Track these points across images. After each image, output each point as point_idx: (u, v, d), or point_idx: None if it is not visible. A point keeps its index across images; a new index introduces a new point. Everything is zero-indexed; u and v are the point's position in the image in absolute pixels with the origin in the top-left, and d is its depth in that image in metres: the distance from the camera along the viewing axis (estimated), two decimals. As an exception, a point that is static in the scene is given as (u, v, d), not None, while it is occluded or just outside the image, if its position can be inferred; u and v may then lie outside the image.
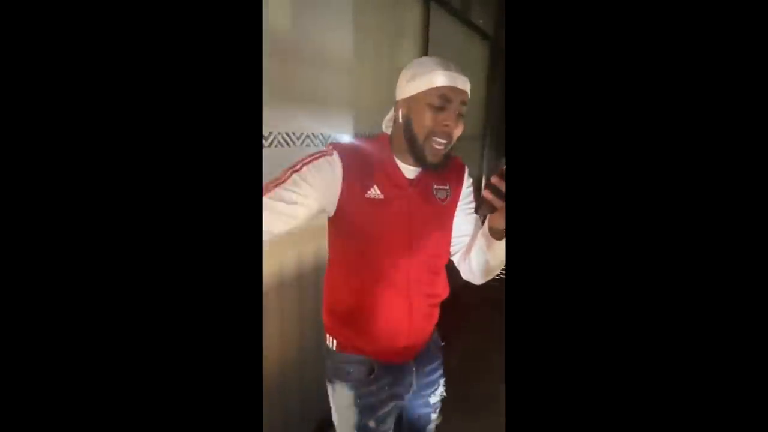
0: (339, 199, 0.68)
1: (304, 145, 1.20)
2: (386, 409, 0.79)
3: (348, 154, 0.70)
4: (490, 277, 0.75)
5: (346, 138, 1.35)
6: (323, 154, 0.69)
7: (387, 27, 1.65)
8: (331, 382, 0.80)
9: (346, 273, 0.75)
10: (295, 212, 0.65)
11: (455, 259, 0.80)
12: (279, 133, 1.10)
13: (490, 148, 3.10)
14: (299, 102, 1.17)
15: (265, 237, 0.63)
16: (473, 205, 0.80)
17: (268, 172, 0.99)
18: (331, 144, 0.72)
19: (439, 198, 0.75)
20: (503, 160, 0.58)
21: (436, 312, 0.82)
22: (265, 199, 0.63)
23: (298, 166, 0.67)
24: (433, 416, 0.88)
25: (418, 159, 0.70)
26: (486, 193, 0.60)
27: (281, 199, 0.63)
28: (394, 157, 0.72)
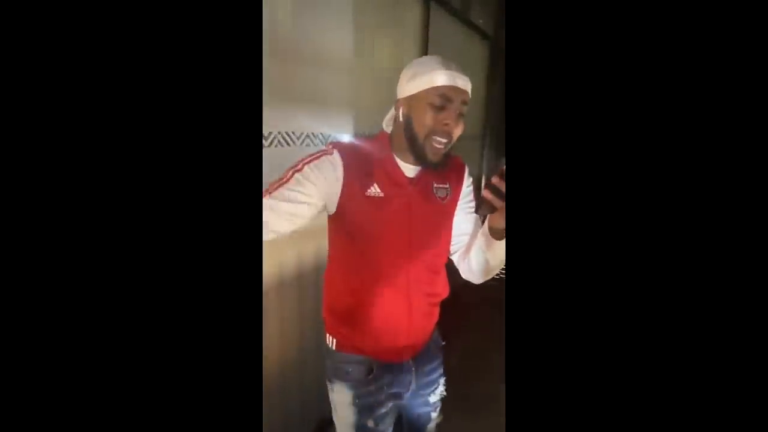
0: (339, 198, 0.69)
1: (304, 144, 1.20)
2: (385, 409, 0.79)
3: (348, 153, 0.70)
4: (490, 277, 0.75)
5: (346, 137, 1.35)
6: (324, 153, 0.70)
7: (387, 27, 1.65)
8: (330, 381, 0.81)
9: (345, 271, 0.75)
10: (300, 211, 0.66)
11: (455, 258, 0.80)
12: (279, 133, 1.10)
13: (490, 148, 3.10)
14: (299, 102, 1.17)
15: (270, 237, 0.64)
16: (473, 204, 0.80)
17: (268, 172, 1.00)
18: (331, 143, 0.72)
19: (439, 197, 0.75)
20: (503, 161, 0.58)
21: (436, 311, 0.82)
22: (270, 200, 0.64)
23: (300, 166, 0.68)
24: (434, 415, 0.88)
25: (419, 157, 0.70)
26: (486, 193, 0.60)
27: (286, 199, 0.64)
28: (394, 155, 0.73)
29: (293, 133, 1.15)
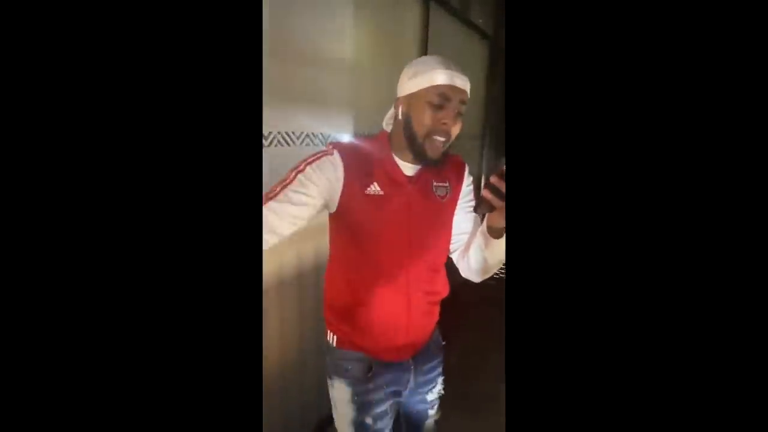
0: (340, 197, 0.69)
1: (304, 144, 1.20)
2: (384, 407, 0.80)
3: (348, 153, 0.71)
4: (489, 275, 0.76)
5: (346, 137, 1.35)
6: (324, 153, 0.70)
7: (386, 27, 1.65)
8: (330, 377, 0.81)
9: (345, 269, 0.76)
10: (303, 213, 0.66)
11: (454, 256, 0.81)
12: (279, 133, 1.10)
13: (490, 147, 3.10)
14: (299, 101, 1.17)
15: (274, 240, 0.65)
16: (473, 203, 0.81)
17: (267, 172, 1.00)
18: (331, 143, 0.73)
19: (438, 195, 0.76)
20: (503, 160, 0.58)
21: (436, 310, 0.82)
22: (274, 203, 0.64)
23: (302, 167, 0.68)
24: (431, 412, 0.89)
25: (418, 155, 0.71)
26: (485, 193, 0.61)
27: (290, 201, 0.65)
28: (393, 155, 0.73)
29: (293, 133, 1.15)
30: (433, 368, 0.86)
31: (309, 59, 1.18)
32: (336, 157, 0.70)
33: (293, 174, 0.67)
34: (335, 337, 0.80)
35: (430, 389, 0.87)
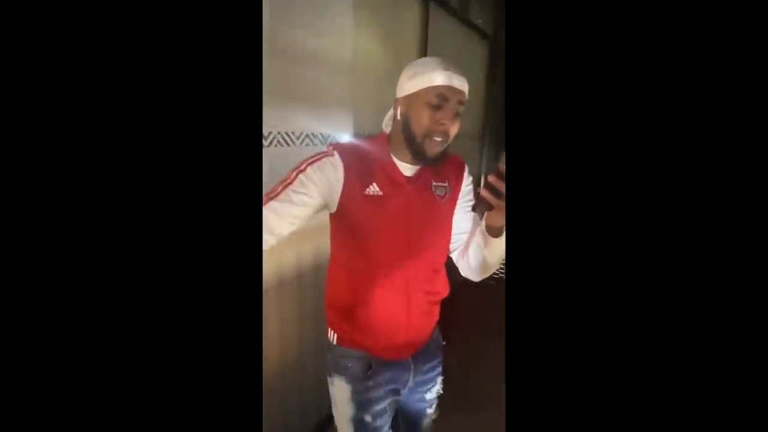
0: (340, 197, 0.70)
1: (304, 144, 1.20)
2: (383, 405, 0.80)
3: (348, 154, 0.72)
4: (488, 274, 0.76)
5: (345, 138, 1.35)
6: (325, 154, 0.71)
7: (386, 27, 1.65)
8: (330, 375, 0.82)
9: (346, 268, 0.76)
10: (303, 213, 0.68)
11: (454, 256, 0.81)
12: (278, 133, 1.10)
13: (490, 147, 3.10)
14: (298, 102, 1.17)
15: (273, 241, 0.65)
16: (473, 202, 0.81)
17: (267, 172, 1.00)
18: (331, 145, 0.74)
19: (438, 195, 0.76)
20: (502, 159, 0.59)
21: (436, 310, 0.83)
22: (275, 203, 0.65)
23: (303, 167, 0.69)
24: (429, 411, 0.90)
25: (416, 155, 0.71)
26: (483, 192, 0.61)
27: (291, 201, 0.66)
28: (392, 155, 0.74)
29: (293, 133, 1.15)
30: (433, 368, 0.87)
31: (309, 59, 1.18)
32: (336, 158, 0.70)
33: (294, 174, 0.68)
34: (336, 335, 0.80)
35: (429, 388, 0.87)
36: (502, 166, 0.59)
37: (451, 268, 0.82)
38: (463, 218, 0.79)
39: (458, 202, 0.79)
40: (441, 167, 0.76)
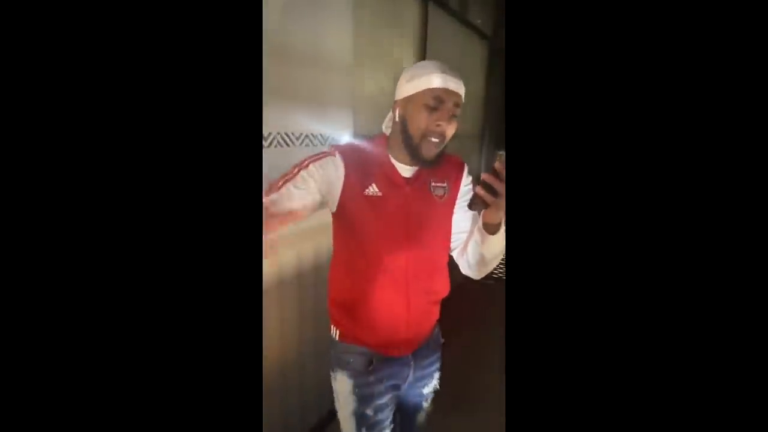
0: (340, 197, 0.72)
1: (304, 145, 1.20)
2: (384, 400, 0.82)
3: (349, 154, 0.73)
4: (488, 271, 0.78)
5: (345, 138, 1.36)
6: (327, 154, 0.73)
7: (385, 27, 1.65)
8: (333, 370, 0.84)
9: (347, 266, 0.78)
10: (300, 208, 0.69)
11: (455, 254, 0.82)
12: (278, 134, 1.10)
13: (489, 147, 3.11)
14: (298, 102, 1.17)
15: (271, 236, 0.65)
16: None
17: (267, 172, 1.00)
18: (332, 146, 0.76)
19: (436, 195, 0.78)
20: (498, 154, 0.60)
21: (436, 309, 0.84)
22: (275, 196, 0.66)
23: (306, 163, 0.71)
24: (424, 405, 0.92)
25: (414, 156, 0.73)
26: (478, 190, 0.63)
27: (291, 196, 0.68)
28: (391, 157, 0.76)
29: (292, 133, 1.15)
30: (431, 363, 0.89)
31: (308, 60, 1.18)
32: (338, 158, 0.72)
33: (296, 170, 0.70)
34: (338, 331, 0.82)
35: (427, 383, 0.90)
36: (498, 165, 0.61)
37: (451, 267, 0.83)
38: (462, 217, 0.80)
39: (457, 201, 0.80)
40: (440, 168, 0.77)
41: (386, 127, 0.79)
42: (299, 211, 0.68)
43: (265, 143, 1.05)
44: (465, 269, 0.81)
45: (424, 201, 0.76)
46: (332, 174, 0.71)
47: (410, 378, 0.85)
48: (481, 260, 0.75)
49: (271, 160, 1.05)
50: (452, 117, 0.71)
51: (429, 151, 0.71)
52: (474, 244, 0.74)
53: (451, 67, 0.71)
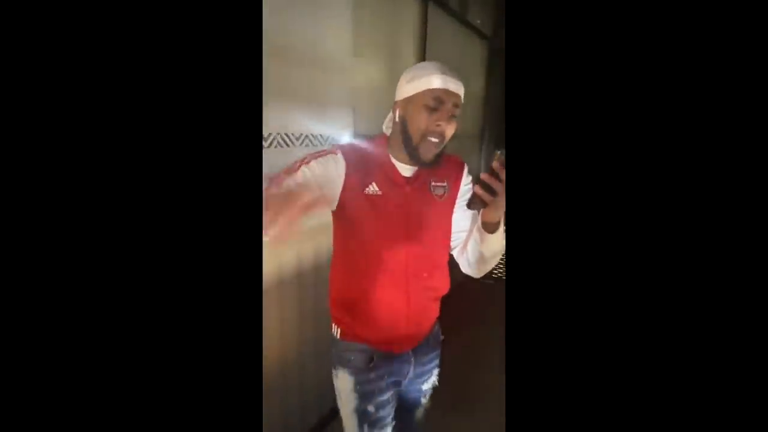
0: (341, 195, 0.73)
1: (303, 145, 1.20)
2: (385, 396, 0.83)
3: (350, 153, 0.74)
4: (488, 269, 0.79)
5: (345, 139, 1.36)
6: (328, 152, 0.74)
7: (385, 27, 1.65)
8: (335, 368, 0.85)
9: (347, 264, 0.79)
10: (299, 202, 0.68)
11: (455, 253, 0.83)
12: (278, 134, 1.10)
13: (488, 146, 3.11)
14: (298, 102, 1.17)
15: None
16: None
17: (267, 173, 1.00)
18: (334, 145, 0.77)
19: (436, 195, 0.78)
20: (496, 154, 0.60)
21: (436, 306, 0.85)
22: (275, 189, 0.65)
23: (308, 159, 0.72)
24: (423, 401, 0.93)
25: (413, 157, 0.74)
26: (477, 189, 0.64)
27: (290, 190, 0.67)
28: (391, 156, 0.76)
29: (292, 134, 1.15)
30: (431, 360, 0.90)
31: (308, 60, 1.18)
32: (339, 156, 0.73)
33: (298, 165, 0.70)
34: (339, 329, 0.83)
35: (426, 380, 0.91)
36: (496, 164, 0.62)
37: (451, 266, 0.83)
38: (462, 216, 0.81)
39: (457, 201, 0.81)
40: (440, 168, 0.78)
41: (386, 127, 0.80)
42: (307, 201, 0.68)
43: (265, 144, 1.06)
44: (465, 268, 0.82)
45: (424, 200, 0.77)
46: (333, 171, 0.72)
47: (410, 374, 0.86)
48: (481, 258, 0.76)
49: (271, 161, 1.05)
50: (452, 117, 0.72)
51: (427, 153, 0.72)
52: (473, 242, 0.75)
53: (450, 67, 0.72)
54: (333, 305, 0.84)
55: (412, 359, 0.85)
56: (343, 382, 0.83)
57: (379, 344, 0.81)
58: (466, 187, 0.82)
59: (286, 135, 1.13)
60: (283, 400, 1.28)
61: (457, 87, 0.71)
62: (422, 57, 1.90)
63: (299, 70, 1.15)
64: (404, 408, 0.92)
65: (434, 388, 0.94)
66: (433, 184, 0.78)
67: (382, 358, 0.81)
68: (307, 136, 1.21)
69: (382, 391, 0.82)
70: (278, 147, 1.10)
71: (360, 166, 0.73)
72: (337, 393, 0.86)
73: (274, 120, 1.08)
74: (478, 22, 2.60)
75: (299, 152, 1.17)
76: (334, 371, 0.85)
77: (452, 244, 0.83)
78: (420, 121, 0.70)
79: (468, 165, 0.85)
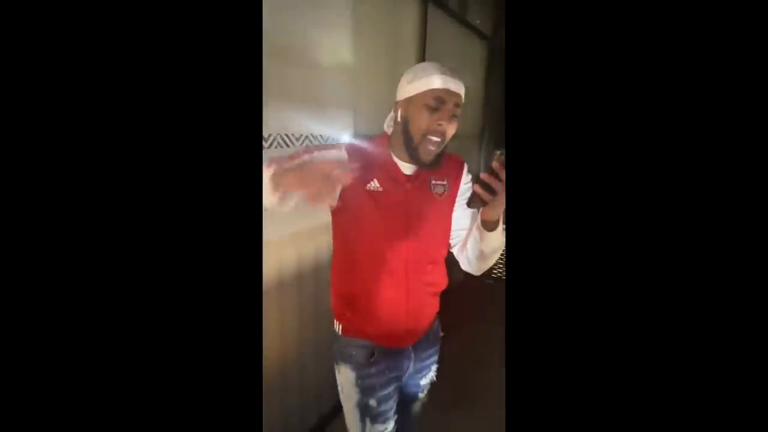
0: (342, 191, 0.73)
1: (304, 146, 1.20)
2: (387, 391, 0.84)
3: (352, 150, 0.76)
4: (488, 266, 0.80)
5: (345, 139, 1.36)
6: (331, 147, 0.76)
7: (385, 27, 1.65)
8: (337, 363, 0.87)
9: (347, 260, 0.80)
10: None
11: (455, 251, 0.85)
12: (278, 135, 1.10)
13: (488, 146, 3.12)
14: (298, 103, 1.17)
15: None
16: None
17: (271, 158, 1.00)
18: (336, 142, 0.78)
19: (436, 193, 0.80)
20: (496, 154, 0.61)
21: (436, 301, 0.86)
22: (276, 166, 0.61)
23: (312, 151, 0.71)
24: (420, 395, 0.95)
25: (413, 157, 0.75)
26: (476, 188, 0.65)
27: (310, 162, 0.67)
28: (392, 155, 0.78)
29: (292, 134, 1.15)
30: (430, 356, 0.91)
31: (308, 61, 1.18)
32: (342, 151, 0.74)
33: (303, 152, 0.69)
34: (341, 325, 0.85)
35: (425, 375, 0.93)
36: (496, 164, 0.63)
37: (452, 264, 0.84)
38: (462, 215, 0.82)
39: (457, 199, 0.82)
40: (440, 167, 0.79)
41: (388, 126, 0.81)
42: None
43: (265, 144, 1.06)
44: (465, 265, 0.83)
45: (424, 198, 0.78)
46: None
47: (410, 370, 0.88)
48: (481, 256, 0.77)
49: (271, 161, 1.05)
50: (453, 117, 0.72)
51: (427, 154, 0.73)
52: (473, 240, 0.76)
53: (451, 67, 0.72)
54: (334, 301, 0.85)
55: (413, 355, 0.86)
56: (345, 377, 0.84)
57: (380, 339, 0.82)
58: (465, 185, 0.83)
59: (286, 135, 1.13)
60: (283, 400, 1.28)
61: (457, 87, 0.71)
62: (422, 57, 1.90)
63: (299, 70, 1.15)
64: (402, 402, 0.94)
65: (432, 384, 0.95)
66: (433, 182, 0.79)
67: (383, 354, 0.82)
68: (307, 137, 1.21)
69: (383, 386, 0.84)
70: (278, 148, 1.10)
71: (362, 162, 0.74)
72: (339, 388, 0.87)
73: (274, 120, 1.08)
74: (478, 22, 2.60)
75: (299, 152, 1.17)
76: (336, 367, 0.87)
77: (452, 242, 0.84)
78: (421, 121, 0.71)
79: (468, 165, 0.86)
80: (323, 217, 0.80)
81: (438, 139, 0.72)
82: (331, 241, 0.83)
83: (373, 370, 0.83)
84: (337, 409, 0.86)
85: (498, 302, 2.42)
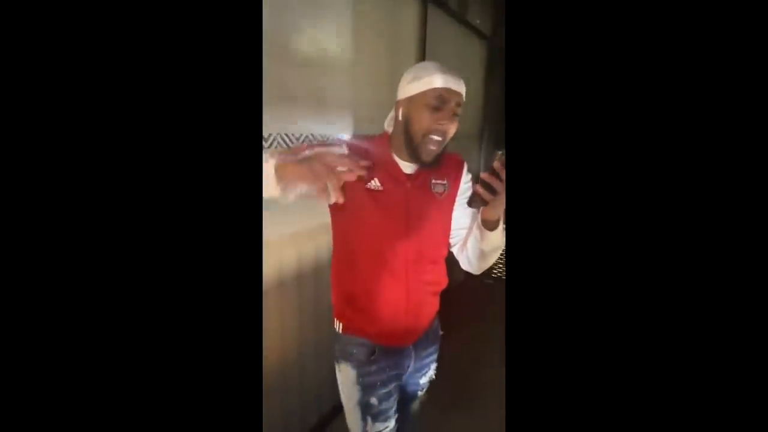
0: (342, 189, 0.71)
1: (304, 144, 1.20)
2: (387, 389, 0.85)
3: (353, 148, 0.76)
4: (488, 265, 0.80)
5: (346, 137, 1.36)
6: (333, 144, 0.75)
7: (385, 27, 1.65)
8: (337, 362, 0.87)
9: (347, 259, 0.81)
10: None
11: (455, 250, 0.85)
12: (278, 135, 1.10)
13: (488, 146, 3.12)
14: (298, 103, 1.17)
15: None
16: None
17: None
18: (338, 139, 0.78)
19: (436, 192, 0.80)
20: (497, 154, 0.62)
21: (436, 300, 0.87)
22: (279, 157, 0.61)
23: (314, 146, 0.71)
24: (419, 393, 0.96)
25: (413, 156, 0.75)
26: (477, 188, 0.66)
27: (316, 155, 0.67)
28: (393, 154, 0.78)
29: (293, 134, 1.16)
30: (430, 354, 0.92)
31: (308, 61, 1.18)
32: (344, 148, 0.74)
33: (305, 146, 0.70)
34: (341, 324, 0.85)
35: (424, 373, 0.93)
36: (497, 164, 0.63)
37: (452, 264, 0.84)
38: (462, 214, 0.82)
39: (457, 198, 0.82)
40: (440, 166, 0.79)
41: (388, 126, 0.81)
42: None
43: (265, 144, 1.06)
44: (465, 264, 0.83)
45: (424, 197, 0.78)
46: None
47: (410, 368, 0.88)
48: (481, 255, 0.77)
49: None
50: (454, 116, 0.73)
51: (428, 153, 0.73)
52: (473, 239, 0.77)
53: (451, 67, 0.72)
54: (335, 300, 0.86)
55: (413, 353, 0.87)
56: (346, 376, 0.84)
57: (380, 338, 0.82)
58: (465, 185, 0.84)
59: (286, 135, 1.13)
60: (283, 400, 1.28)
61: (458, 86, 0.72)
62: (422, 57, 1.91)
63: (299, 70, 1.15)
64: (402, 401, 0.94)
65: (432, 383, 0.96)
66: (433, 181, 0.80)
67: (383, 352, 0.83)
68: (307, 137, 1.21)
69: (383, 384, 0.84)
70: (278, 147, 1.10)
71: (363, 160, 0.74)
72: (340, 387, 0.88)
73: (274, 120, 1.08)
74: (478, 22, 2.60)
75: (299, 152, 1.17)
76: (336, 365, 0.87)
77: (452, 241, 0.84)
78: (422, 121, 0.71)
79: (468, 165, 0.86)
80: (323, 217, 0.80)
81: (439, 139, 0.72)
82: (331, 240, 0.83)
83: (373, 368, 0.83)
84: (338, 409, 0.86)
85: (498, 302, 2.42)
